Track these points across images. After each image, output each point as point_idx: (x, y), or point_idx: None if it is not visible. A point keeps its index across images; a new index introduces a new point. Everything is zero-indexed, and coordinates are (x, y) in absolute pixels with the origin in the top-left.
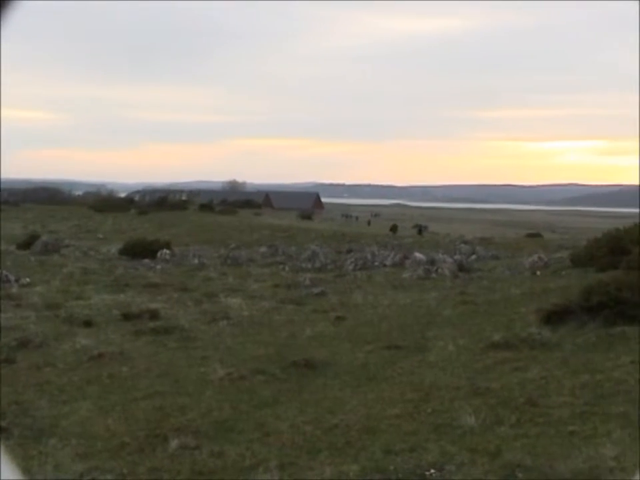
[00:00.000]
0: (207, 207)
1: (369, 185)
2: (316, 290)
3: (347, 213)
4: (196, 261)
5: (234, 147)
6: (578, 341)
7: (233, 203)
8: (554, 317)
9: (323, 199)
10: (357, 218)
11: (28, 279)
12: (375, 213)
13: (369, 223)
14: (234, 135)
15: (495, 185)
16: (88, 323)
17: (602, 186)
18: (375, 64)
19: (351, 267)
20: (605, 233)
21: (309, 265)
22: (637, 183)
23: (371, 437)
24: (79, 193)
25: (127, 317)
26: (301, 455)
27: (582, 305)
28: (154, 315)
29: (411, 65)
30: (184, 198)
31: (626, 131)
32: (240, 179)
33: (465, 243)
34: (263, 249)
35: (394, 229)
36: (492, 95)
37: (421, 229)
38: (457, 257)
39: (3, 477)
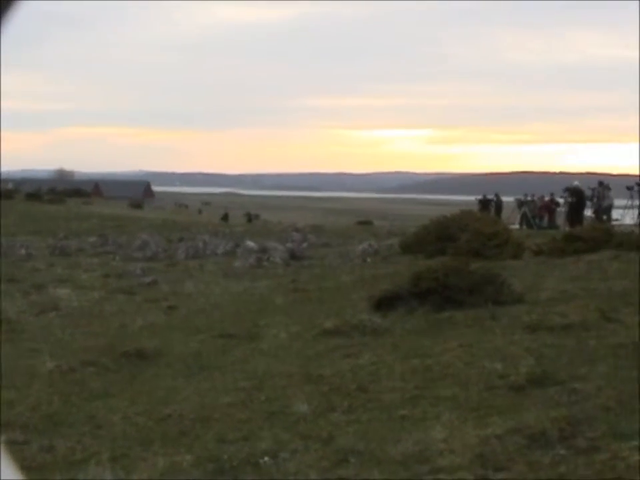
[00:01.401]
0: (34, 196)
1: (201, 174)
2: (147, 279)
3: (179, 202)
4: (23, 251)
5: (62, 135)
6: (407, 326)
7: (62, 192)
8: (384, 303)
9: (154, 188)
10: (186, 206)
11: None
12: (206, 202)
13: (199, 212)
14: (63, 123)
15: (327, 173)
16: None
17: (430, 174)
18: (208, 52)
19: (182, 256)
20: (433, 220)
21: (140, 254)
22: (465, 171)
23: (205, 426)
24: None
25: None
26: (133, 446)
27: (411, 290)
28: None
29: (243, 53)
30: (10, 187)
31: (453, 120)
32: (68, 168)
33: (297, 230)
34: (92, 239)
35: (225, 217)
36: (322, 84)
37: (250, 217)
38: (289, 245)
39: (3, 477)
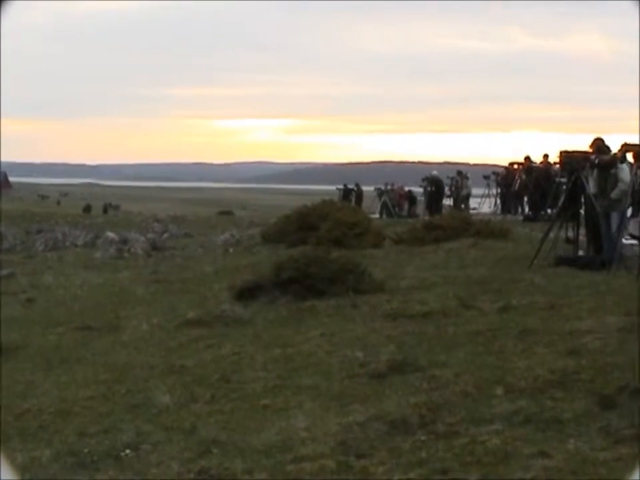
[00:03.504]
0: None
1: (60, 164)
2: (4, 272)
3: (38, 192)
4: None
5: None
6: (270, 316)
7: None
8: (246, 294)
9: (11, 179)
10: (47, 197)
11: None
12: (64, 192)
13: (58, 203)
14: None
15: (186, 163)
16: None
17: (290, 164)
18: (67, 42)
19: (41, 248)
20: (294, 209)
21: None
22: (325, 161)
23: (64, 420)
24: None
25: None
26: None
27: (273, 280)
28: None
29: (101, 42)
30: None
31: (311, 110)
32: None
33: (158, 221)
34: None
35: (88, 208)
36: (180, 73)
37: (106, 208)
38: (150, 235)
39: (2, 477)
